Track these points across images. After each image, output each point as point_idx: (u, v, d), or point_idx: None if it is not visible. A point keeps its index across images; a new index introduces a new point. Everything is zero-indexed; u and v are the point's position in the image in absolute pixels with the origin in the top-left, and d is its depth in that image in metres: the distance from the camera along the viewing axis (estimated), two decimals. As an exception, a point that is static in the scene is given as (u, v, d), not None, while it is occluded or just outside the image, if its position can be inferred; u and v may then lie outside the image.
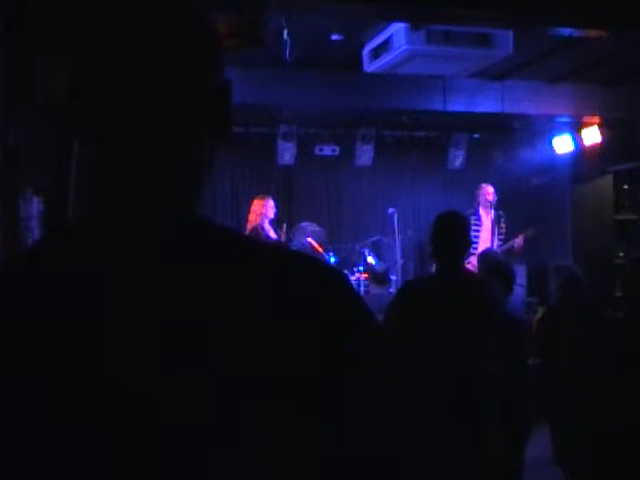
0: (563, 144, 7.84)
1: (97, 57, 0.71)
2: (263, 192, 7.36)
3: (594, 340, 2.38)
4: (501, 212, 7.41)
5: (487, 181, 7.65)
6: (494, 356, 3.02)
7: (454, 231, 3.06)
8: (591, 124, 7.39)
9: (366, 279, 6.85)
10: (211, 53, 0.76)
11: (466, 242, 3.14)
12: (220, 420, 0.65)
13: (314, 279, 0.73)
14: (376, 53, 5.34)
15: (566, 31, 4.51)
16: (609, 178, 7.73)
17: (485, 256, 4.50)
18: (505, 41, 5.04)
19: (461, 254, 3.11)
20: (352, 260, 7.54)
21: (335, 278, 0.74)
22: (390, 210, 7.41)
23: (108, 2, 0.73)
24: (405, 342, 2.82)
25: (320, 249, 7.32)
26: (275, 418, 0.66)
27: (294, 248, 6.94)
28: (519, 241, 7.17)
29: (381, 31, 5.17)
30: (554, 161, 8.05)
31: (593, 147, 7.53)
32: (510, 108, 6.78)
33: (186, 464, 0.64)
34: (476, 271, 4.51)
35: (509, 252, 7.15)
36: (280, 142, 7.60)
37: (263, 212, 6.91)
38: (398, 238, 7.35)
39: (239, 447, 0.65)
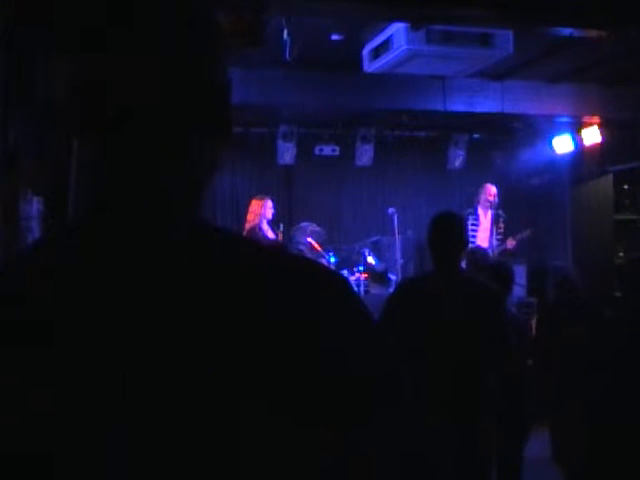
0: (563, 144, 7.84)
1: (97, 56, 0.71)
2: (263, 192, 7.37)
3: (592, 340, 2.39)
4: (500, 212, 7.43)
5: (487, 181, 7.67)
6: (492, 356, 3.02)
7: (450, 231, 3.08)
8: (591, 124, 7.39)
9: (366, 279, 6.85)
10: (212, 51, 0.76)
11: (462, 242, 3.17)
12: (220, 421, 0.65)
13: (314, 281, 0.73)
14: (376, 53, 5.35)
15: (566, 31, 4.51)
16: (609, 178, 7.73)
17: (473, 254, 4.54)
18: (505, 41, 5.04)
19: (457, 254, 3.13)
20: (352, 260, 7.54)
21: (335, 280, 0.75)
22: (390, 210, 7.41)
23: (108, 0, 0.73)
24: (402, 340, 2.82)
25: (320, 249, 7.32)
26: (275, 419, 0.66)
27: (294, 248, 6.96)
28: (512, 242, 7.25)
29: (381, 31, 5.17)
30: (554, 161, 8.05)
31: (593, 147, 7.54)
32: (510, 108, 6.79)
33: (185, 465, 0.64)
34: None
35: (504, 253, 7.20)
36: (280, 142, 7.60)
37: (261, 212, 6.95)
38: (398, 238, 7.36)
39: (239, 448, 0.65)
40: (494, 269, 4.21)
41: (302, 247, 7.26)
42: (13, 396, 0.65)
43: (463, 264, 4.54)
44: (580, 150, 7.73)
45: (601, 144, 7.45)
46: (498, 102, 6.71)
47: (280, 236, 7.09)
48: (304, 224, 7.55)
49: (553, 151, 7.97)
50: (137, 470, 0.64)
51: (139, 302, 0.67)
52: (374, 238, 7.75)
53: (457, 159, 8.24)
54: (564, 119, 7.38)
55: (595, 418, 2.18)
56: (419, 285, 3.23)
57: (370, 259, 7.28)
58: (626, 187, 7.73)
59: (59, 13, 0.73)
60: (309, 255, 6.79)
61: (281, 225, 7.21)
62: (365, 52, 5.53)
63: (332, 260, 7.36)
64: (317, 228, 7.54)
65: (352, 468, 0.69)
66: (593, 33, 4.48)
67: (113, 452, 0.64)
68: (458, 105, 6.68)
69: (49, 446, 0.64)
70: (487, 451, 3.13)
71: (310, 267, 0.75)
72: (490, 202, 7.42)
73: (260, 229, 6.87)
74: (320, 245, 7.38)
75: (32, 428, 0.64)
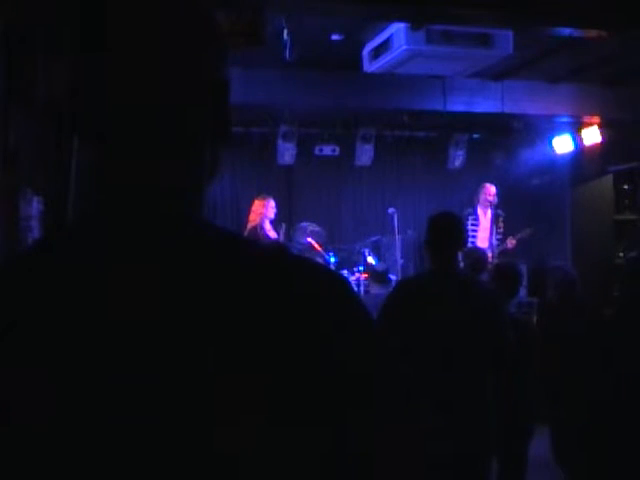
0: (563, 144, 7.84)
1: (98, 55, 0.71)
2: (263, 192, 7.37)
3: (591, 338, 2.39)
4: (499, 211, 7.44)
5: (487, 181, 7.67)
6: (489, 355, 3.02)
7: (448, 231, 3.09)
8: (591, 124, 7.39)
9: (366, 279, 6.85)
10: (212, 51, 0.76)
11: (460, 242, 3.18)
12: (218, 421, 0.65)
13: (313, 281, 0.73)
14: (376, 53, 5.35)
15: (566, 31, 4.51)
16: (609, 178, 7.73)
17: (470, 254, 4.54)
18: (505, 41, 5.04)
19: (455, 254, 3.14)
20: (352, 260, 7.54)
21: (334, 280, 0.75)
22: (390, 210, 7.41)
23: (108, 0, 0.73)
24: (399, 340, 2.82)
25: (320, 249, 7.32)
26: (274, 418, 0.66)
27: (294, 248, 6.96)
28: (512, 242, 7.25)
29: (381, 31, 5.18)
30: (554, 161, 8.05)
31: (593, 147, 7.53)
32: (510, 108, 6.78)
33: (183, 466, 0.64)
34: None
35: (504, 252, 7.20)
36: (280, 142, 7.60)
37: (263, 212, 6.96)
38: (398, 238, 7.35)
39: (239, 448, 0.65)
40: (501, 270, 4.21)
41: (302, 247, 7.26)
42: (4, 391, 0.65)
43: (461, 265, 4.55)
44: (580, 150, 7.73)
45: (601, 144, 7.45)
46: (498, 102, 6.71)
47: (282, 235, 7.10)
48: (304, 224, 7.55)
49: (553, 151, 7.97)
50: (135, 466, 0.64)
51: (139, 302, 0.67)
52: (374, 238, 7.74)
53: (457, 159, 8.23)
54: (564, 119, 7.38)
55: (595, 418, 2.18)
56: (417, 285, 3.23)
57: (370, 259, 7.27)
58: (626, 187, 7.72)
59: (59, 14, 0.73)
60: (309, 255, 6.79)
61: (283, 225, 7.21)
62: (365, 52, 5.53)
63: (332, 260, 7.35)
64: (317, 228, 7.54)
65: (347, 464, 0.69)
66: (593, 33, 4.48)
67: (105, 449, 0.64)
68: (458, 105, 6.68)
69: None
70: (486, 451, 3.13)
71: (310, 267, 0.75)
72: (490, 202, 7.42)
73: (262, 228, 6.88)
74: (320, 245, 7.38)
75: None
